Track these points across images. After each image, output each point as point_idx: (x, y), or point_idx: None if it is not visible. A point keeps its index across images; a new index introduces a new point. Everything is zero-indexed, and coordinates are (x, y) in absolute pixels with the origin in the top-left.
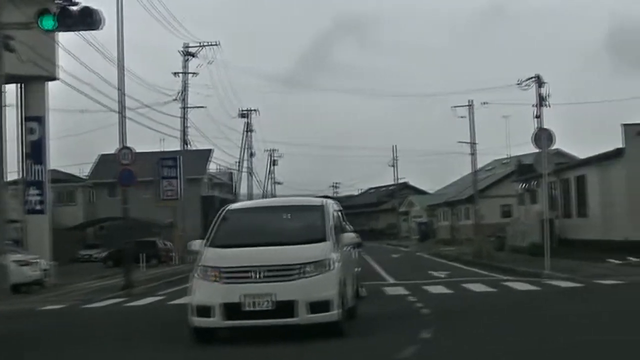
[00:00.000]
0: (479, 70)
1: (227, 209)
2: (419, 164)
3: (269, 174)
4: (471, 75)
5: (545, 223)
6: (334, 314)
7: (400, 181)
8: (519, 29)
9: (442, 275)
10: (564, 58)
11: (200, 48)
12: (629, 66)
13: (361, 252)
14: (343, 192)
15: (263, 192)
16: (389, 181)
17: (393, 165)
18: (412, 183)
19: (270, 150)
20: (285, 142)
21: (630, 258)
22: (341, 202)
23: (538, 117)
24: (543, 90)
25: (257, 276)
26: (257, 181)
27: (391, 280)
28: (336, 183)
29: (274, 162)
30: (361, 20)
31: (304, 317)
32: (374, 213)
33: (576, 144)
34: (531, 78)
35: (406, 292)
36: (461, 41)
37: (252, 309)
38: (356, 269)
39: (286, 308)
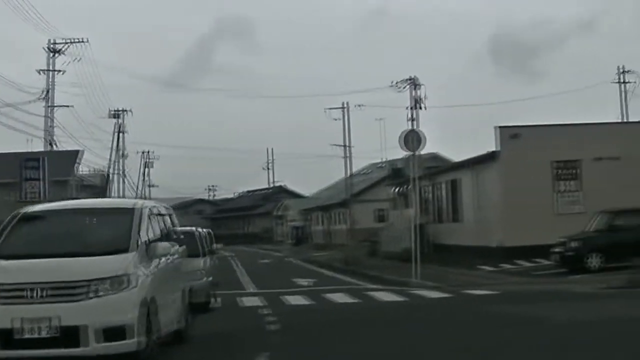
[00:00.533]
0: (360, 73)
1: (22, 211)
2: (297, 167)
3: (143, 176)
4: (351, 77)
5: (414, 229)
6: (132, 342)
7: (277, 184)
8: (401, 33)
9: (306, 284)
10: (445, 62)
11: (68, 45)
12: (509, 70)
13: (233, 257)
14: (220, 195)
15: (136, 195)
16: (268, 184)
17: (268, 168)
18: (289, 186)
19: (144, 152)
20: (163, 144)
21: (504, 265)
22: (218, 205)
23: (413, 119)
24: (419, 92)
25: (36, 295)
26: (131, 184)
27: (251, 289)
28: (213, 186)
29: (148, 164)
30: (241, 22)
31: (94, 346)
32: (250, 217)
33: (455, 147)
34: (406, 80)
35: (262, 304)
36: (341, 43)
37: (29, 336)
38: (204, 279)
39: (72, 335)
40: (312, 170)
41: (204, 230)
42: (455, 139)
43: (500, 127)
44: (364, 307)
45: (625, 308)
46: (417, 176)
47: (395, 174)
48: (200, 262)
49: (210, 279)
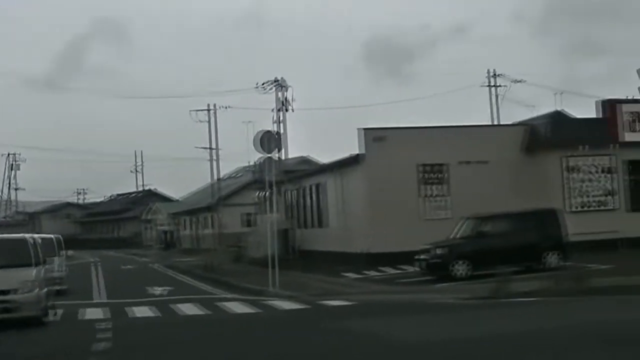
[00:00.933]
0: (233, 75)
1: None
2: (168, 170)
3: (8, 179)
4: (223, 79)
5: (270, 235)
6: None
7: (147, 188)
8: (274, 36)
9: (160, 292)
10: (320, 65)
11: None
12: (383, 73)
13: (97, 263)
14: (90, 198)
15: (0, 198)
16: (137, 187)
17: (137, 172)
18: (159, 190)
19: (10, 155)
20: (31, 147)
21: (369, 272)
22: (88, 209)
23: (280, 121)
24: (286, 94)
25: None
26: None
27: (99, 299)
28: (83, 189)
29: (13, 167)
30: (112, 22)
31: None
32: (120, 221)
33: (327, 150)
34: (272, 81)
35: (104, 316)
36: (213, 46)
37: None
38: (37, 291)
39: None
40: (183, 173)
41: (50, 236)
42: (327, 142)
43: (364, 129)
44: (211, 321)
45: (485, 322)
46: (273, 179)
47: (261, 177)
48: (31, 273)
49: (45, 290)
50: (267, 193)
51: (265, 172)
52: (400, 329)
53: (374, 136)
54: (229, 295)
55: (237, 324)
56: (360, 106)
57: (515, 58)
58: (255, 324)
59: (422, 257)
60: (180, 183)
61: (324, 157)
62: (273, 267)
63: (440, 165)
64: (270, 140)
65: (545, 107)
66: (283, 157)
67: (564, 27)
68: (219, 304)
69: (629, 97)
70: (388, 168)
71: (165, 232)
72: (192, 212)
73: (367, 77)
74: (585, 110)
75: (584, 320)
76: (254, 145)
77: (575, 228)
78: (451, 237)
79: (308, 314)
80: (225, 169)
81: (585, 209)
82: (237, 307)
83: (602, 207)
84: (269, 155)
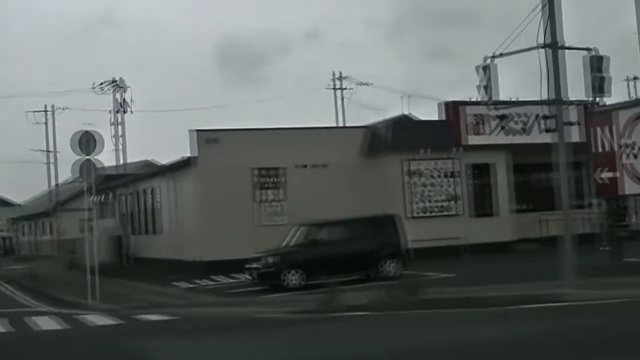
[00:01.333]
0: (75, 76)
1: None
2: (9, 174)
3: None
4: (65, 79)
5: (88, 243)
6: None
7: None
8: (122, 38)
9: None
10: (168, 68)
11: None
12: (233, 77)
13: None
14: None
15: None
16: None
17: None
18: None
19: None
20: None
21: (201, 281)
22: None
23: (119, 123)
24: (125, 95)
25: None
26: None
27: None
28: None
29: None
30: None
31: None
32: None
33: (171, 154)
34: (110, 82)
35: None
36: (57, 47)
37: None
38: None
39: None
40: (25, 177)
41: None
42: (173, 145)
43: (196, 130)
44: (8, 342)
45: (299, 343)
46: (93, 183)
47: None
48: None
49: None
50: (101, 198)
51: (84, 176)
52: (200, 350)
53: (206, 138)
54: (45, 309)
55: (28, 345)
56: (208, 108)
57: (368, 62)
58: (49, 344)
59: (253, 265)
60: (22, 187)
61: (168, 161)
62: (93, 276)
63: (277, 168)
64: (89, 142)
65: (395, 111)
66: (122, 161)
67: (417, 33)
68: (28, 319)
69: (473, 99)
70: (222, 171)
71: (4, 238)
72: (31, 218)
73: (217, 80)
74: (434, 113)
75: (403, 343)
76: (71, 147)
77: (416, 234)
78: (284, 244)
79: (116, 331)
80: (68, 173)
81: (428, 214)
82: (45, 323)
83: (445, 213)
84: (88, 157)
